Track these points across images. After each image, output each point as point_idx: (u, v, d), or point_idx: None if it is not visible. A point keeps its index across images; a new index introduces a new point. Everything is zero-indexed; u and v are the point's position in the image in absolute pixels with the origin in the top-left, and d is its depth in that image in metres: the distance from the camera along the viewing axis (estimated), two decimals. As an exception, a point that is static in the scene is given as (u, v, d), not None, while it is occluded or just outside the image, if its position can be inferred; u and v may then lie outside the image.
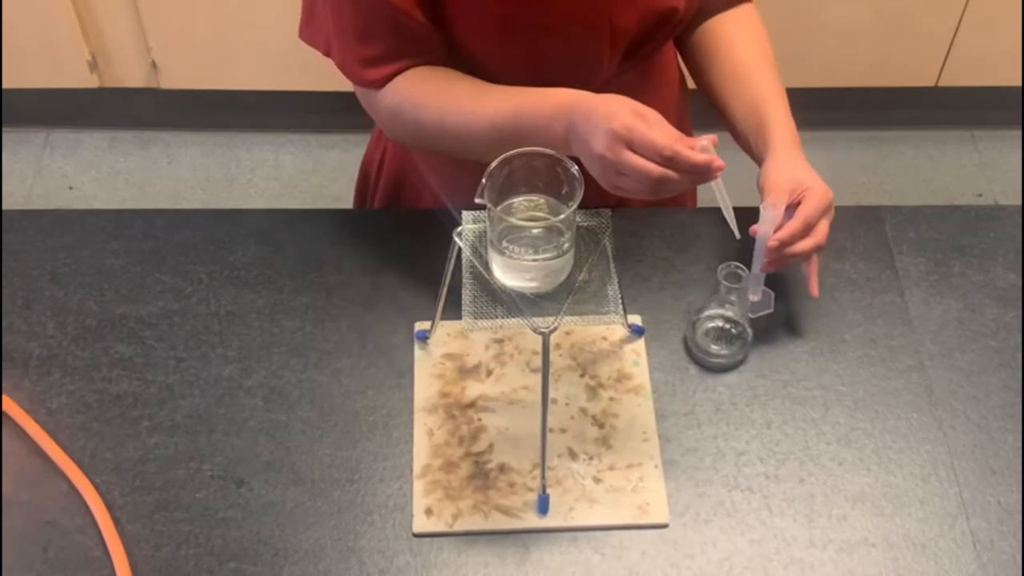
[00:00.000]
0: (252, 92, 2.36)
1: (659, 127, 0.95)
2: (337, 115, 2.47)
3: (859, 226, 1.26)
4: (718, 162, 0.95)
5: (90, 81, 2.29)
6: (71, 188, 2.38)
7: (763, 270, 1.09)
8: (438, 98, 1.07)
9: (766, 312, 1.14)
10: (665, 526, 1.02)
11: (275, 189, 2.40)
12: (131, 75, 2.31)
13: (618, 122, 0.94)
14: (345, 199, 2.35)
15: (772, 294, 1.15)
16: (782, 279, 1.19)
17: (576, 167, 0.94)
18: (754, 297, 1.13)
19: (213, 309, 1.16)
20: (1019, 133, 2.47)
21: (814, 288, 1.12)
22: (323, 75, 2.32)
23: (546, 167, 0.96)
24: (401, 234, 1.24)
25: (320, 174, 2.43)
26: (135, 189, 2.39)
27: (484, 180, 0.93)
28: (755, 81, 1.17)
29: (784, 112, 1.14)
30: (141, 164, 2.44)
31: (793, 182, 1.07)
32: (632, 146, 0.94)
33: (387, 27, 1.06)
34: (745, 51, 1.19)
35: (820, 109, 2.42)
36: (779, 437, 1.08)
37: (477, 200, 0.93)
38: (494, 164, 0.94)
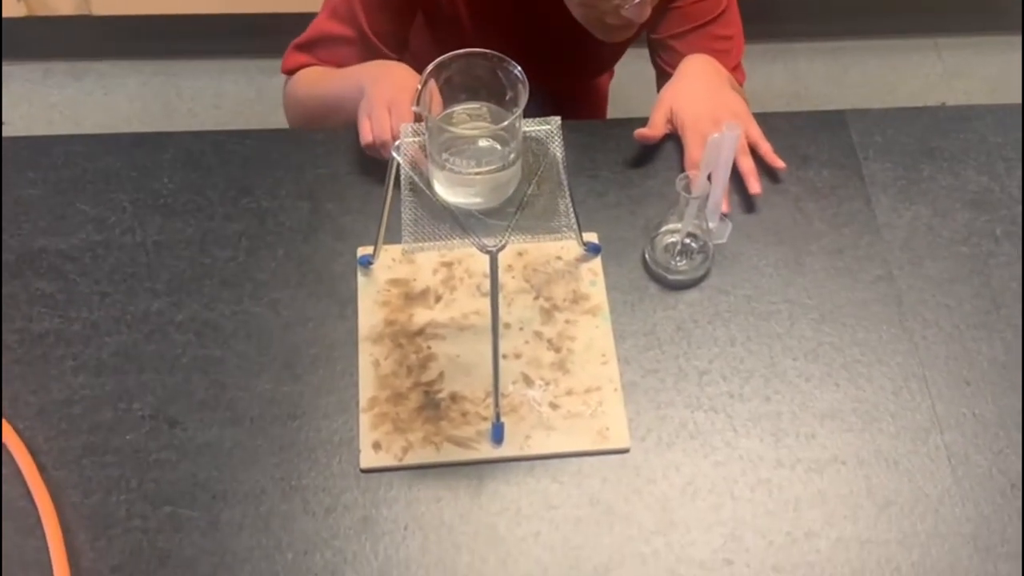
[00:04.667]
0: (189, 16, 2.27)
1: None
2: (280, 39, 2.35)
3: (823, 132, 1.21)
4: None
5: (17, 9, 2.20)
6: (3, 123, 2.29)
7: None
8: (310, 84, 1.27)
9: (720, 242, 1.09)
10: (626, 451, 0.98)
11: (218, 119, 2.32)
12: (61, 2, 2.21)
13: None
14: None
15: (730, 225, 1.10)
16: (742, 192, 1.14)
17: (519, 68, 0.87)
18: (711, 224, 1.08)
19: (139, 240, 1.10)
20: (982, 40, 2.42)
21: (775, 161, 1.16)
22: (260, -6, 2.24)
23: (487, 70, 0.89)
24: (339, 154, 1.17)
25: (264, 102, 2.35)
26: (70, 123, 2.31)
27: (419, 86, 0.86)
28: None
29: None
30: (76, 96, 2.35)
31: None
32: None
33: (348, 44, 1.22)
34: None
35: (780, 21, 2.37)
36: (743, 354, 1.04)
37: (413, 109, 0.86)
38: (430, 68, 0.87)
